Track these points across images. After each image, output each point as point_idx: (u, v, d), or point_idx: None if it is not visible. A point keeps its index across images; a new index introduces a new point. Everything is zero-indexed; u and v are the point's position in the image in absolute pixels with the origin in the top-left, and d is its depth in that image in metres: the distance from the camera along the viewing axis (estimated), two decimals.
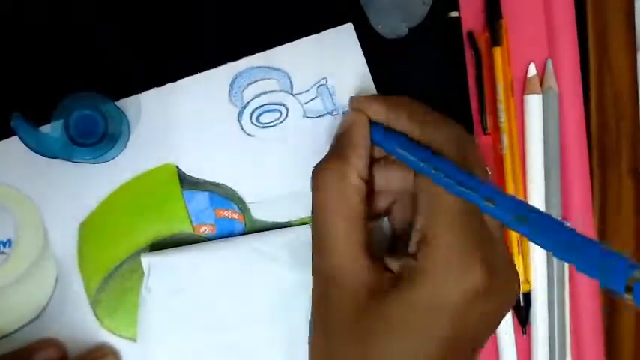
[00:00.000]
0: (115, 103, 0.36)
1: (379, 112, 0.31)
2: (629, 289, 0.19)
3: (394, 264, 0.29)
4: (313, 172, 0.31)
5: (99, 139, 0.34)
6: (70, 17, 0.36)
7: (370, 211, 0.33)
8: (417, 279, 0.27)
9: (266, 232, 0.37)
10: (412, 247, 0.29)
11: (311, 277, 0.31)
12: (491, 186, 0.26)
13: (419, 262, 0.27)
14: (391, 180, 0.32)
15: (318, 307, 0.30)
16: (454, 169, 0.27)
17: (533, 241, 0.24)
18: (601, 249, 0.21)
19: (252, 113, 0.37)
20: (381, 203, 0.33)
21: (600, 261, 0.21)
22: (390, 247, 0.34)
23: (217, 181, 0.37)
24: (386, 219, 0.35)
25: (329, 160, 0.31)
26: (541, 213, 0.24)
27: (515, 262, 0.38)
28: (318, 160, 0.32)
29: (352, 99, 0.33)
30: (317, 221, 0.30)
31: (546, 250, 0.25)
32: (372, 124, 0.32)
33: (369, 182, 0.32)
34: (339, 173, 0.29)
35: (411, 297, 0.27)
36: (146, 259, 0.36)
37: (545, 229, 0.23)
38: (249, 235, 0.37)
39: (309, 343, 0.30)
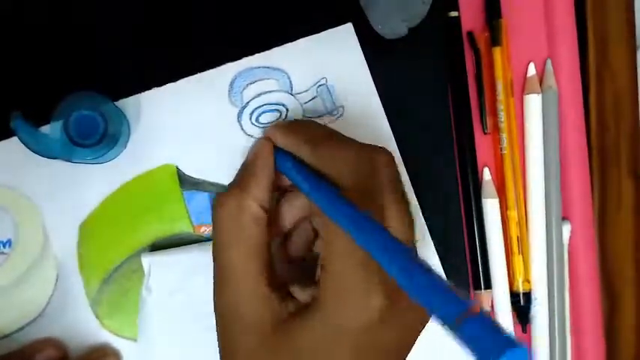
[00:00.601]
0: (115, 103, 0.36)
1: (283, 139, 0.30)
2: (456, 327, 0.19)
3: (301, 293, 0.28)
4: (213, 202, 0.30)
5: (98, 139, 0.34)
6: (70, 17, 0.36)
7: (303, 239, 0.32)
8: (317, 307, 0.26)
9: None
10: (317, 275, 0.28)
11: None
12: (367, 220, 0.24)
13: (319, 291, 0.26)
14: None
15: (222, 344, 0.29)
16: (337, 201, 0.26)
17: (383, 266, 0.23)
18: (437, 281, 0.21)
19: (251, 113, 0.37)
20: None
21: (435, 293, 0.20)
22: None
23: (217, 181, 0.37)
24: None
25: (229, 190, 0.29)
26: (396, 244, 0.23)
27: (516, 262, 0.38)
28: None
29: (265, 129, 0.32)
30: (215, 253, 0.29)
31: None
32: (280, 152, 0.31)
33: (277, 211, 0.31)
34: (237, 203, 0.28)
35: (311, 325, 0.26)
36: (146, 260, 0.36)
37: (390, 254, 0.23)
38: None
39: None
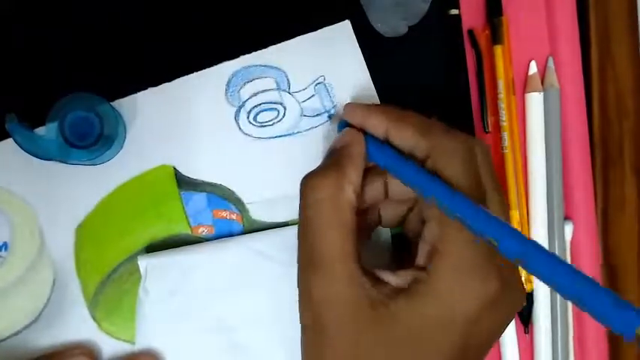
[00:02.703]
0: (111, 103, 0.35)
1: (379, 125, 0.30)
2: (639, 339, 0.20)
3: (393, 277, 0.28)
4: (305, 179, 0.29)
5: (95, 140, 0.33)
6: (66, 18, 0.36)
7: (382, 220, 0.32)
8: (429, 291, 0.26)
9: (263, 231, 0.37)
10: (421, 260, 0.28)
11: None
12: (494, 221, 0.25)
13: (430, 274, 0.26)
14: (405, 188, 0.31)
15: (312, 332, 0.28)
16: (451, 197, 0.26)
17: (536, 276, 0.23)
18: (610, 296, 0.21)
19: (249, 112, 0.37)
20: (397, 211, 0.32)
21: (610, 308, 0.21)
22: (381, 259, 0.33)
23: (215, 182, 0.37)
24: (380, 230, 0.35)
25: (324, 169, 0.29)
26: (544, 251, 0.23)
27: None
28: (317, 161, 0.31)
29: (348, 108, 0.32)
30: (308, 234, 0.28)
31: (552, 289, 0.25)
32: (369, 138, 0.31)
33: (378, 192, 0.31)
34: (335, 184, 0.28)
35: (422, 309, 0.26)
36: (143, 261, 0.36)
37: (548, 267, 0.23)
38: (247, 235, 0.37)
39: None
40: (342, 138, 0.31)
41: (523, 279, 0.38)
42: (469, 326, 0.26)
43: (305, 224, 0.28)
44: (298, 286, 0.28)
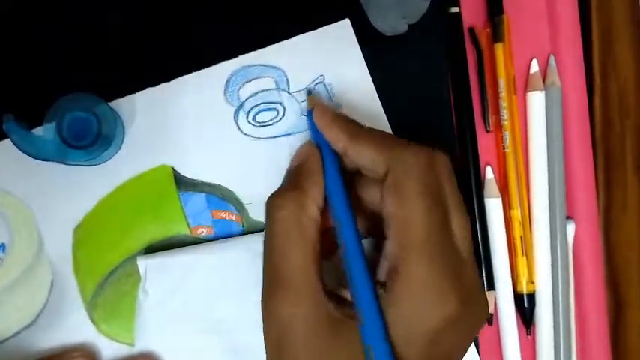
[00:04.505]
0: (109, 103, 0.35)
1: (337, 139, 0.30)
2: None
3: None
4: (269, 199, 0.29)
5: (93, 140, 0.33)
6: (64, 18, 0.36)
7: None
8: (388, 312, 0.26)
9: (263, 232, 0.37)
10: (381, 275, 0.28)
11: None
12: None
13: (389, 293, 0.26)
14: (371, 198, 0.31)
15: (275, 350, 0.28)
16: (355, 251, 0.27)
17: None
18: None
19: (248, 112, 0.37)
20: (365, 223, 0.32)
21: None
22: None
23: (214, 182, 0.37)
24: None
25: (286, 188, 0.29)
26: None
27: (520, 263, 0.37)
28: None
29: (317, 112, 0.32)
30: (271, 254, 0.28)
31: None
32: (329, 155, 0.31)
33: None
34: (298, 203, 0.28)
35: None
36: (143, 262, 0.36)
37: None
38: (246, 235, 0.37)
39: None
40: (301, 152, 0.31)
41: (525, 279, 0.37)
42: (429, 347, 0.26)
43: (268, 243, 0.29)
44: (262, 303, 0.28)
